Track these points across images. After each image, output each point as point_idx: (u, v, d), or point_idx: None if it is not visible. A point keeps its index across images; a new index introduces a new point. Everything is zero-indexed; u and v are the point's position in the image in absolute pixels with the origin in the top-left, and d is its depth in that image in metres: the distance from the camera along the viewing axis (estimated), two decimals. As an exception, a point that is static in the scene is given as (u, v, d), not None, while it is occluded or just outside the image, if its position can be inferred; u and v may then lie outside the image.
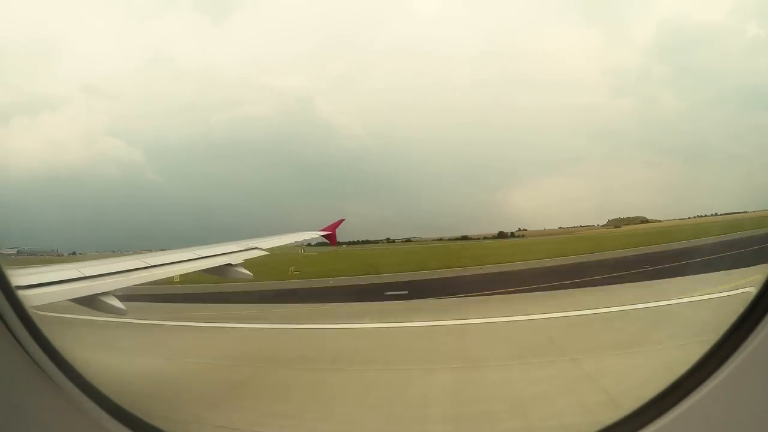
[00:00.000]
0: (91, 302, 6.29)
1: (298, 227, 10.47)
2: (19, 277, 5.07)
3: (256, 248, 8.31)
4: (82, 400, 2.27)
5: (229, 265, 7.79)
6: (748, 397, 1.96)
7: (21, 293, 2.49)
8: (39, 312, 3.92)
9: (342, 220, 11.06)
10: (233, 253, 8.06)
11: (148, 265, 7.54)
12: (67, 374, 2.28)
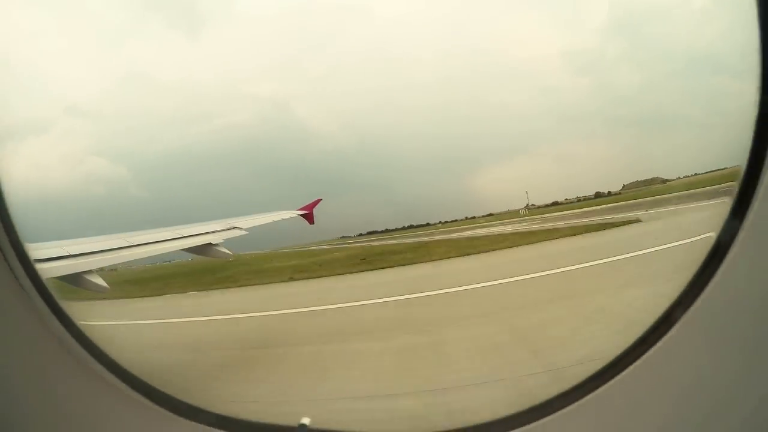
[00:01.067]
0: (74, 280, 6.52)
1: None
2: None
3: (236, 227, 8.56)
4: (96, 368, 2.29)
5: (210, 244, 8.04)
6: (691, 362, 2.09)
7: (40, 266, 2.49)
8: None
9: (319, 200, 11.36)
10: (214, 232, 8.30)
11: (131, 244, 7.76)
12: (83, 344, 2.28)
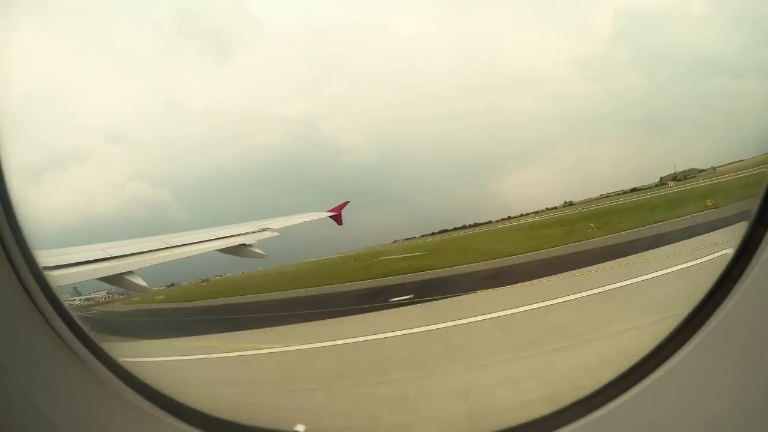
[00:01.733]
0: (116, 281, 6.79)
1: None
2: (45, 258, 5.49)
3: (268, 229, 8.67)
4: (110, 379, 2.30)
5: (244, 245, 8.18)
6: (718, 367, 1.99)
7: (49, 274, 2.53)
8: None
9: (347, 203, 11.41)
10: (247, 233, 8.44)
11: (169, 246, 8.02)
12: (97, 355, 2.31)
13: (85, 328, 2.34)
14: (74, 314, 2.34)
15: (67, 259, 5.97)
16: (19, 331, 2.18)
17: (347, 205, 11.47)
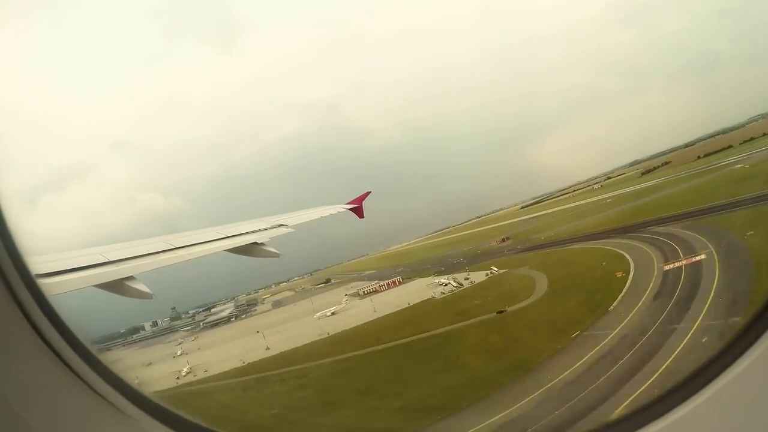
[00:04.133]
0: (116, 287, 5.98)
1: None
2: (41, 264, 4.73)
3: (282, 225, 7.89)
4: (106, 390, 2.22)
5: (255, 243, 7.39)
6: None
7: (42, 281, 2.37)
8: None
9: (369, 193, 10.62)
10: (259, 231, 7.65)
11: (173, 247, 7.19)
12: (90, 364, 2.22)
13: (79, 335, 2.26)
14: (67, 322, 2.26)
15: (62, 264, 5.15)
16: (8, 339, 2.07)
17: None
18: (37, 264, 4.71)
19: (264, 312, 64.36)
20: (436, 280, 49.54)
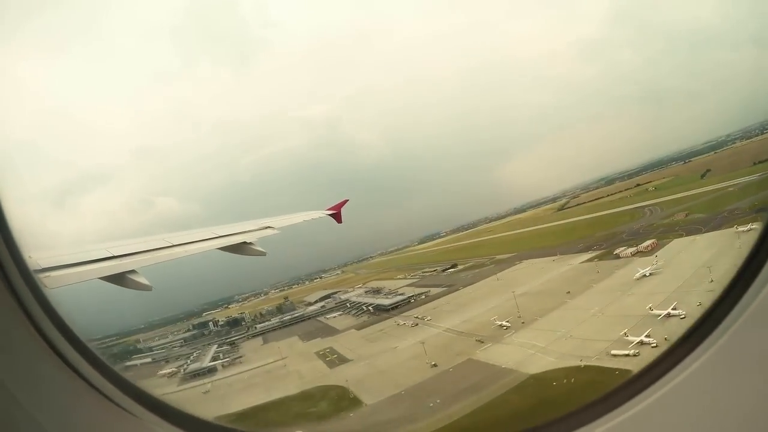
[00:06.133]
0: (118, 280, 6.75)
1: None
2: (48, 258, 5.48)
3: (269, 227, 8.68)
4: (100, 381, 2.30)
5: (245, 243, 8.18)
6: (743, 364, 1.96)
7: (40, 276, 2.75)
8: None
9: (347, 200, 11.49)
10: (248, 232, 8.45)
11: (170, 244, 8.00)
12: (86, 357, 2.31)
13: (77, 332, 2.35)
14: (66, 319, 2.34)
15: (69, 258, 5.94)
16: (6, 332, 2.16)
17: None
18: (47, 258, 5.49)
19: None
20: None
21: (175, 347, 66.27)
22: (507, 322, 44.05)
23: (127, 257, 7.24)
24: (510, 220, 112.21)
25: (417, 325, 52.24)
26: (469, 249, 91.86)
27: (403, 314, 58.65)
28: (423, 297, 64.30)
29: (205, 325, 73.75)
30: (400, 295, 66.91)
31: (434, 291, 65.74)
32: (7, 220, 2.23)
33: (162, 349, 65.94)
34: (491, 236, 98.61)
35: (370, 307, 64.74)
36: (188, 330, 73.05)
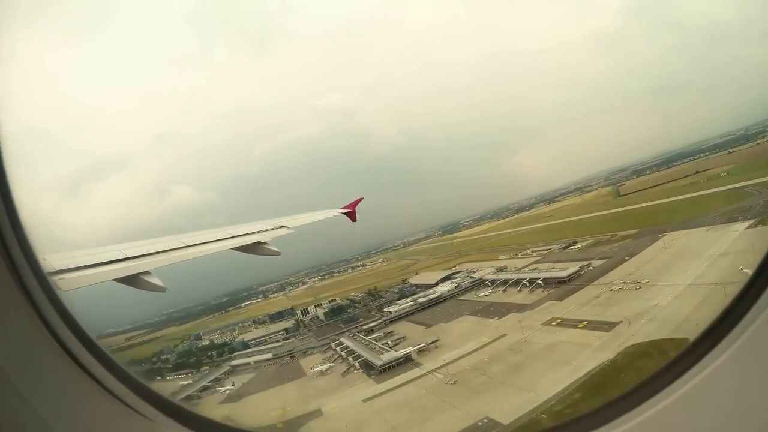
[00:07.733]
0: (133, 281, 6.73)
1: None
2: (61, 260, 5.47)
3: (283, 226, 8.54)
4: (113, 383, 2.32)
5: (259, 242, 8.06)
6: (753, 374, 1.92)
7: (54, 279, 2.75)
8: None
9: (361, 199, 11.28)
10: (262, 231, 8.33)
11: (185, 245, 7.96)
12: (99, 359, 2.33)
13: (90, 334, 2.36)
14: (79, 321, 2.36)
15: (83, 260, 5.92)
16: (19, 333, 2.19)
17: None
18: (61, 260, 5.47)
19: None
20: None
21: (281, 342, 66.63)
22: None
23: (141, 258, 7.22)
24: (559, 206, 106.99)
25: (640, 287, 46.18)
26: (551, 231, 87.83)
27: (594, 283, 53.42)
28: (591, 268, 59.52)
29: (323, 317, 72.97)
30: (565, 269, 61.04)
31: (595, 263, 60.37)
32: (21, 223, 2.24)
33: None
34: (565, 219, 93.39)
35: (539, 281, 59.82)
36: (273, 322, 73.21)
